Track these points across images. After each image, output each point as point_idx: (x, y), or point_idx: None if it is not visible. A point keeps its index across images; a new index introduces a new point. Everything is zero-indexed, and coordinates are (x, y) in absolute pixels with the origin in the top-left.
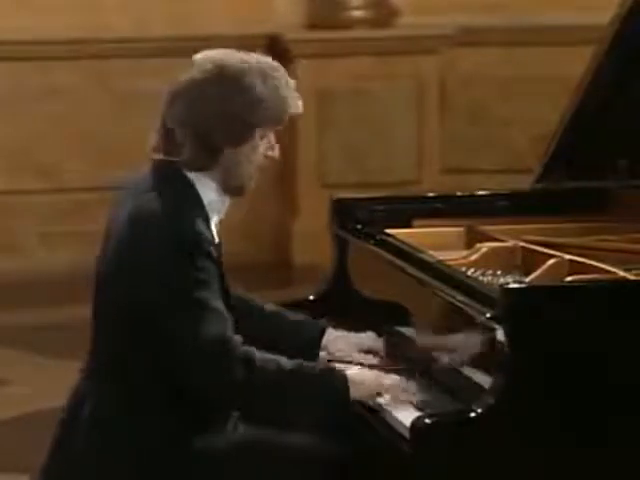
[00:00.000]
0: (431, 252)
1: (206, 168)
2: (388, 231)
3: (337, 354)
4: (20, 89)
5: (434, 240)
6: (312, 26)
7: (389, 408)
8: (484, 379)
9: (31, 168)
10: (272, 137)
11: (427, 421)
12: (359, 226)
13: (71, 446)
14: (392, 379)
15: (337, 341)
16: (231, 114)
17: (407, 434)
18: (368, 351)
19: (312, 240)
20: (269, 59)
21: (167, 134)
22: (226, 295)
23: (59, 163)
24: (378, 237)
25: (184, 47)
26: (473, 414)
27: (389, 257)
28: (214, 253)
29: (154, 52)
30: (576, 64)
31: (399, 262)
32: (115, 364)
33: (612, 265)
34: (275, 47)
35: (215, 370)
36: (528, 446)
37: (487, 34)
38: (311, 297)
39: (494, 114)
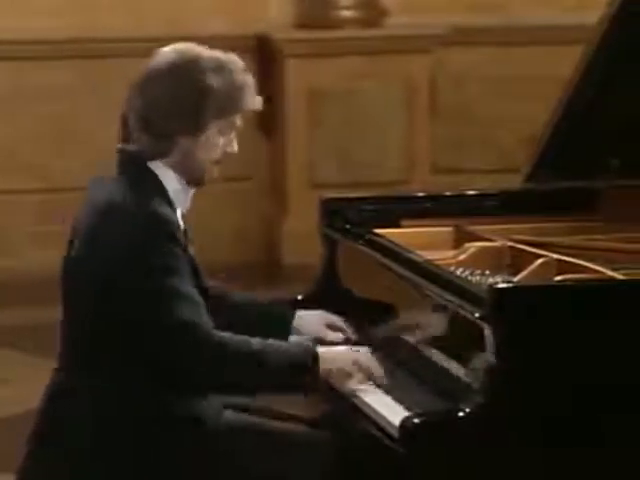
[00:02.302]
0: (420, 252)
1: (162, 156)
2: (377, 231)
3: (309, 329)
4: (18, 88)
5: (423, 240)
6: (302, 26)
7: (373, 404)
8: (473, 378)
9: (27, 168)
10: (232, 132)
11: (416, 421)
12: (348, 226)
13: (52, 444)
14: (365, 357)
15: (306, 319)
16: (182, 102)
17: (396, 434)
18: (333, 326)
19: (302, 240)
20: (231, 54)
21: (125, 123)
22: (197, 278)
23: (56, 163)
24: (367, 237)
25: None
26: (462, 413)
27: (378, 257)
28: (181, 237)
29: (151, 52)
30: (567, 64)
31: (388, 262)
32: (91, 359)
33: (601, 265)
34: (265, 47)
35: (186, 355)
36: (516, 445)
37: (477, 34)
38: (300, 297)
39: (484, 114)
